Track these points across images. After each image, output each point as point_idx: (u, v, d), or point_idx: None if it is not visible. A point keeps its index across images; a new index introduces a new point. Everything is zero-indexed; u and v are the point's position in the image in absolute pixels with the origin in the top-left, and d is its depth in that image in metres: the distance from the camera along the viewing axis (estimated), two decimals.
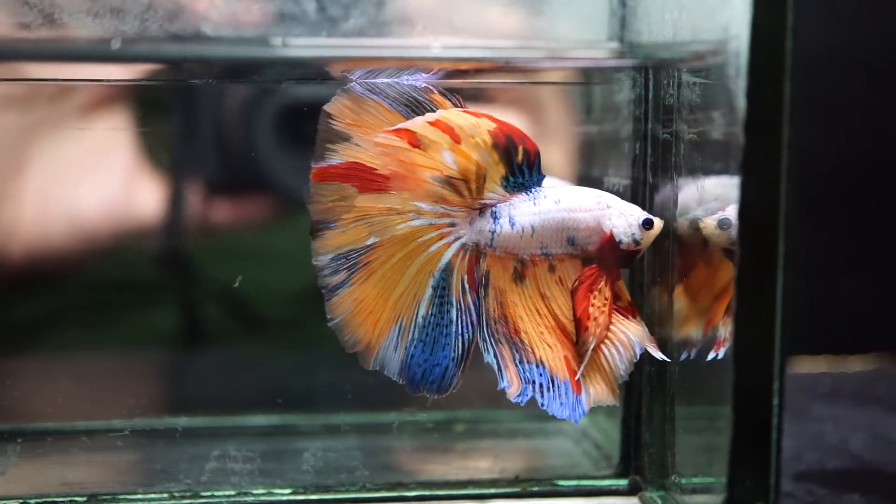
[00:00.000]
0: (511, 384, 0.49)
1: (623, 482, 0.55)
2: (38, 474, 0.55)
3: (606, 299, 0.49)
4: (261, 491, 0.53)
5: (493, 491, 0.54)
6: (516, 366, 0.49)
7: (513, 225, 0.48)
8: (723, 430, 0.44)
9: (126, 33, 0.48)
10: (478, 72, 0.54)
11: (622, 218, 0.50)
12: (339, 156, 0.48)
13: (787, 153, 0.43)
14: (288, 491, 0.53)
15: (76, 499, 0.52)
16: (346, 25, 0.49)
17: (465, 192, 0.48)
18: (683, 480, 0.50)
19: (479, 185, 0.48)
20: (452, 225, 0.49)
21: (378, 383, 0.61)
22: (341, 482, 0.54)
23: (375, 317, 0.49)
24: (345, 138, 0.48)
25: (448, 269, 0.49)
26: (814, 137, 0.91)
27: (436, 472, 0.57)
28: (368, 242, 0.48)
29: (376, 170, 0.48)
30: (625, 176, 0.55)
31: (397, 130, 0.47)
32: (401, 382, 0.50)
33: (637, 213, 0.50)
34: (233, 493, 0.53)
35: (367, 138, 0.48)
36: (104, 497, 0.52)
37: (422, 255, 0.49)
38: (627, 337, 0.49)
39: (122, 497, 0.53)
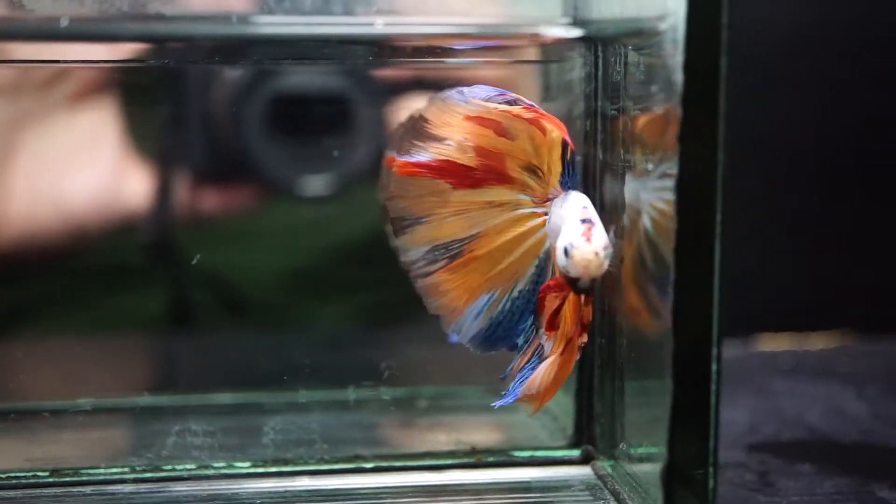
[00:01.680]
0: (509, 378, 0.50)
1: (576, 452, 0.56)
2: (2, 451, 0.56)
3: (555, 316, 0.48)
4: (221, 464, 0.55)
5: (449, 462, 0.56)
6: (522, 368, 0.50)
7: None
8: (664, 399, 0.45)
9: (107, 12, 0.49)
10: (433, 50, 0.55)
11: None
12: (430, 153, 0.49)
13: (724, 125, 0.44)
14: (247, 464, 0.55)
15: (39, 473, 0.53)
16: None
17: (543, 183, 0.49)
18: (631, 450, 0.51)
19: (550, 179, 0.49)
20: (546, 213, 0.49)
21: (341, 361, 0.63)
22: (300, 455, 0.56)
23: (469, 288, 0.50)
24: (437, 139, 0.49)
25: (549, 252, 0.50)
26: (782, 117, 0.92)
27: (394, 445, 0.58)
28: (472, 233, 0.49)
29: (470, 166, 0.48)
30: (578, 153, 0.56)
31: (485, 119, 0.48)
32: (470, 347, 0.51)
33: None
34: (193, 466, 0.55)
35: (458, 139, 0.49)
36: (67, 471, 0.54)
37: (530, 238, 0.50)
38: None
39: (84, 471, 0.54)
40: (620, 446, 0.52)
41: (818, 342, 0.89)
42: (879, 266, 0.91)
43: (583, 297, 0.47)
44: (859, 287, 0.91)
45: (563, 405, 0.61)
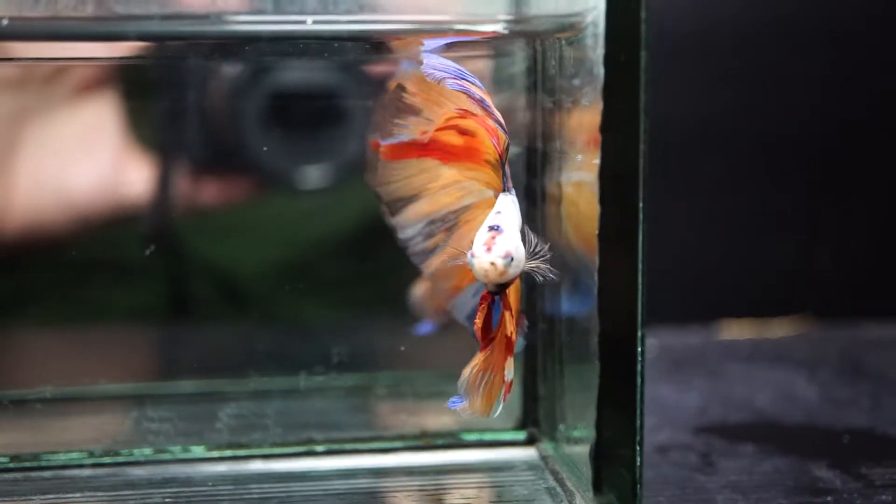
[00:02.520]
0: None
1: (521, 434, 0.58)
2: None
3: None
4: (177, 448, 0.56)
5: (398, 444, 0.57)
6: None
7: None
8: (595, 381, 0.47)
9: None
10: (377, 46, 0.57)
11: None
12: (412, 132, 0.49)
13: (645, 117, 0.45)
14: (202, 448, 0.56)
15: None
16: None
17: (497, 179, 0.49)
18: (568, 431, 0.53)
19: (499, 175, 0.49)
20: None
21: (300, 350, 0.65)
22: (254, 440, 0.57)
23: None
24: (416, 112, 0.49)
25: None
26: (743, 108, 0.94)
27: (346, 429, 0.60)
28: (465, 203, 0.49)
29: (452, 143, 0.48)
30: (520, 145, 0.58)
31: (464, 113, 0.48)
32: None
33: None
34: (150, 451, 0.56)
35: (438, 112, 0.48)
36: (26, 456, 0.55)
37: None
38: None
39: (43, 456, 0.56)
40: (560, 427, 0.54)
41: (779, 329, 0.91)
42: (839, 252, 0.93)
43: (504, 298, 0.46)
44: (819, 274, 0.93)
45: (514, 389, 0.63)
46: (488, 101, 0.47)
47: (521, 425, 0.59)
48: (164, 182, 0.64)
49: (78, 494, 0.53)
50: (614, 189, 0.46)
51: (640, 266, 0.46)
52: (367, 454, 0.57)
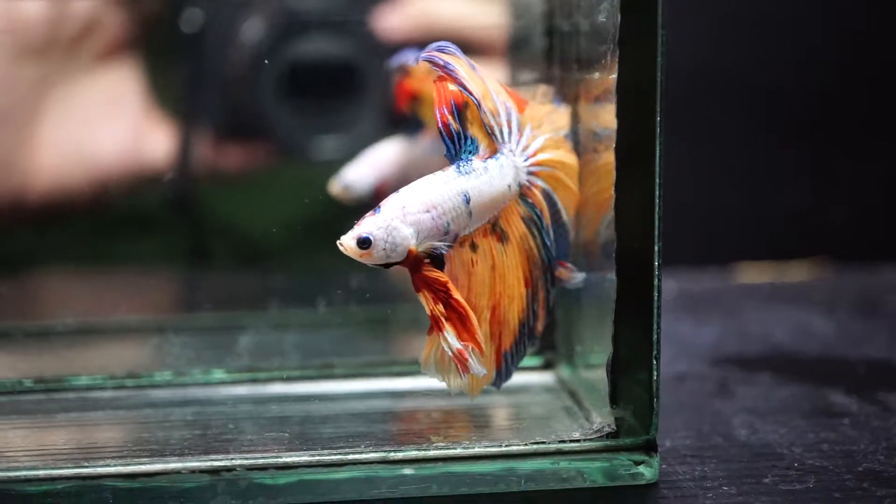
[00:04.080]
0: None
1: (538, 360, 0.59)
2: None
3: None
4: (197, 372, 0.57)
5: (415, 368, 0.58)
6: None
7: None
8: (611, 299, 0.47)
9: None
10: None
11: None
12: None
13: (662, 32, 0.45)
14: (222, 372, 0.57)
15: (24, 380, 0.56)
16: None
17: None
18: (587, 354, 0.54)
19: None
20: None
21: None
22: (273, 366, 0.58)
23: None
24: None
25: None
26: (757, 53, 0.94)
27: (364, 355, 0.61)
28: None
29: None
30: (537, 71, 0.58)
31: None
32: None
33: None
34: (170, 375, 0.57)
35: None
36: (50, 380, 0.56)
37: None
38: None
39: (66, 379, 0.56)
40: (577, 350, 0.54)
41: (796, 272, 0.91)
42: (855, 197, 0.93)
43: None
44: (835, 218, 0.93)
45: None
46: (453, 64, 0.46)
47: (538, 351, 0.59)
48: (184, 146, 0.65)
49: (100, 413, 0.54)
50: (631, 105, 0.46)
51: (656, 180, 0.46)
52: (385, 378, 0.58)
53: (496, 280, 0.47)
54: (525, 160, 0.47)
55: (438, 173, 0.46)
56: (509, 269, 0.47)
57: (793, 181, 0.93)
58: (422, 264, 0.45)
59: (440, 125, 0.45)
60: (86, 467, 0.45)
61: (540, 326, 0.50)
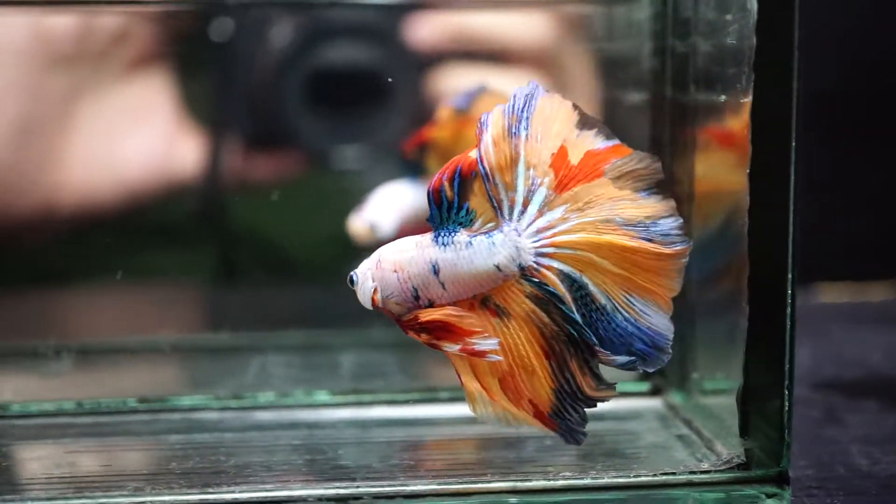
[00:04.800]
0: None
1: (645, 385, 0.58)
2: (92, 382, 0.58)
3: None
4: (300, 393, 0.57)
5: None
6: None
7: None
8: (739, 328, 0.46)
9: None
10: None
11: None
12: None
13: (797, 54, 0.44)
14: (325, 394, 0.56)
15: (128, 400, 0.55)
16: None
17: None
18: (706, 381, 0.53)
19: None
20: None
21: None
22: (377, 387, 0.57)
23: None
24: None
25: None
26: (839, 71, 0.93)
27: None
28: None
29: None
30: (646, 92, 0.57)
31: None
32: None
33: None
34: (273, 396, 0.57)
35: None
36: (153, 400, 0.56)
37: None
38: None
39: (170, 399, 0.56)
40: (693, 377, 0.54)
41: (877, 291, 0.90)
42: None
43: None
44: None
45: None
46: (490, 124, 0.43)
47: (645, 376, 0.58)
48: (214, 156, 0.65)
49: (207, 435, 0.54)
50: (766, 128, 0.45)
51: (790, 205, 0.45)
52: None
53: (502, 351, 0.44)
54: (535, 241, 0.43)
55: (417, 237, 0.45)
56: (514, 342, 0.44)
57: (868, 199, 0.92)
58: (393, 317, 0.44)
59: (430, 188, 0.44)
60: (210, 493, 0.44)
61: (589, 391, 0.44)
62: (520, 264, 0.43)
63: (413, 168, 0.59)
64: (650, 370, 0.44)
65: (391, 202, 0.60)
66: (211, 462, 0.49)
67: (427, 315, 0.44)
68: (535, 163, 0.43)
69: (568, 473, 0.46)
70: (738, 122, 0.47)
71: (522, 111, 0.43)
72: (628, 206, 0.44)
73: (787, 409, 0.46)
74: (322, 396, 0.56)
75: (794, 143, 0.45)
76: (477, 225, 0.44)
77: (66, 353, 0.59)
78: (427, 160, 0.58)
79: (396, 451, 0.52)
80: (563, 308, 0.43)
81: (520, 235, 0.43)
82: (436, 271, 0.43)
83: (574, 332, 0.44)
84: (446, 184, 0.43)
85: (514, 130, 0.43)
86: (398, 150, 0.60)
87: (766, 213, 0.45)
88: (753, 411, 0.46)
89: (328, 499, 0.44)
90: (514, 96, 0.43)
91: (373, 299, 0.44)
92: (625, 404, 0.57)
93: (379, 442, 0.53)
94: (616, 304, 0.44)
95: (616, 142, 0.44)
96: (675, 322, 0.55)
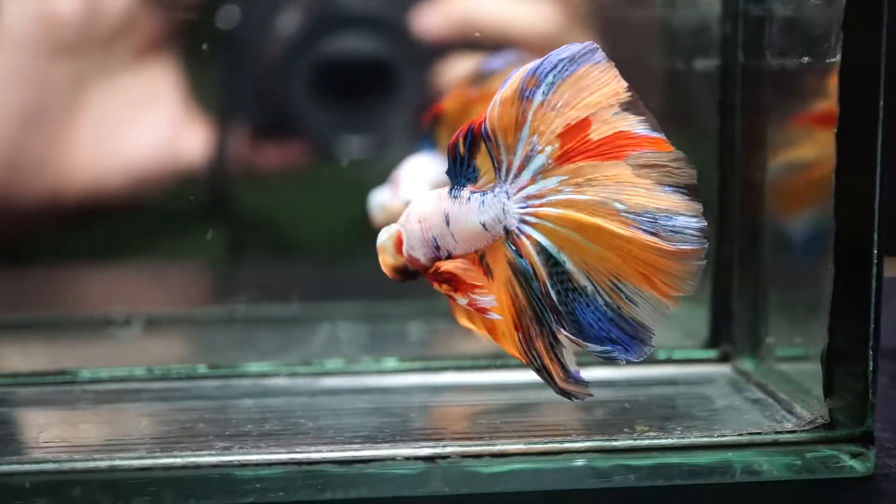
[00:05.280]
0: None
1: (713, 352, 0.58)
2: (161, 348, 0.58)
3: None
4: (369, 360, 0.57)
5: (591, 359, 0.57)
6: None
7: None
8: (819, 290, 0.46)
9: None
10: None
11: None
12: None
13: (889, 11, 0.44)
14: (395, 360, 0.56)
15: (197, 366, 0.55)
16: None
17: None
18: (780, 347, 0.52)
19: None
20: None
21: None
22: (446, 355, 0.57)
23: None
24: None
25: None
26: None
27: None
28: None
29: None
30: (714, 58, 0.57)
31: None
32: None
33: None
34: (342, 363, 0.56)
35: None
36: (223, 366, 0.56)
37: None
38: None
39: (239, 365, 0.56)
40: (767, 342, 0.53)
41: None
42: None
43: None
44: None
45: (690, 312, 0.62)
46: (509, 84, 0.42)
47: (712, 344, 0.58)
48: (221, 145, 0.65)
49: (278, 400, 0.53)
50: (855, 88, 0.45)
51: (878, 166, 0.45)
52: None
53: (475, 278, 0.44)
54: (521, 207, 0.42)
55: (440, 189, 0.45)
56: (499, 305, 0.44)
57: None
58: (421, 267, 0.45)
59: (449, 144, 0.44)
60: (299, 453, 0.44)
61: (559, 381, 0.44)
62: (505, 227, 0.43)
63: (430, 140, 0.59)
64: (629, 360, 0.43)
65: (417, 177, 0.59)
66: (289, 424, 0.49)
67: (442, 265, 0.44)
68: (541, 129, 0.42)
69: (652, 434, 0.46)
70: (822, 89, 0.47)
71: (546, 75, 0.41)
72: (639, 195, 0.41)
73: (871, 369, 0.46)
74: (391, 363, 0.57)
75: (882, 103, 0.45)
76: (481, 182, 0.44)
77: (135, 321, 0.59)
78: (439, 132, 0.58)
79: (472, 415, 0.52)
80: (532, 283, 0.42)
81: (508, 198, 0.42)
82: (447, 222, 0.44)
83: (539, 310, 0.42)
84: (460, 140, 0.43)
85: (526, 93, 0.41)
86: (417, 124, 0.60)
87: (852, 175, 0.45)
88: (838, 372, 0.46)
89: (416, 458, 0.44)
90: (546, 59, 0.42)
91: (397, 247, 0.45)
92: (693, 370, 0.57)
93: (452, 406, 0.53)
94: (598, 288, 0.42)
95: (659, 135, 0.42)
96: (743, 288, 0.56)
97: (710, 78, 0.57)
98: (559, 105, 0.41)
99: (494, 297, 0.43)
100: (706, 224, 0.42)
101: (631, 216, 0.41)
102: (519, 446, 0.45)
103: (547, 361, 0.43)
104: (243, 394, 0.53)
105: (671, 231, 0.41)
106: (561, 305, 0.42)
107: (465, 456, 0.44)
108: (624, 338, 0.42)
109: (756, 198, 0.54)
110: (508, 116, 0.42)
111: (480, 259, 0.44)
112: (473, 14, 0.65)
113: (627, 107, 0.42)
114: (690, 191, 0.42)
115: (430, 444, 0.45)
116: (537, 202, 0.42)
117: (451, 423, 0.50)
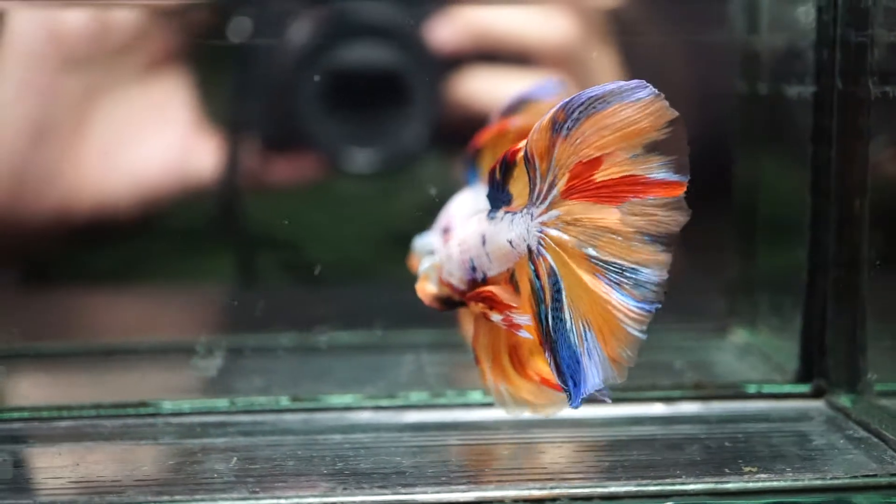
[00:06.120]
0: None
1: (805, 387, 0.56)
2: (243, 380, 0.57)
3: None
4: (452, 393, 0.55)
5: (678, 394, 0.56)
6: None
7: None
8: None
9: None
10: None
11: None
12: None
13: None
14: (480, 393, 0.55)
15: (280, 398, 0.54)
16: None
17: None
18: (880, 384, 0.51)
19: None
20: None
21: None
22: None
23: None
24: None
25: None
26: None
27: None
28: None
29: None
30: (809, 84, 0.56)
31: None
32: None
33: None
34: (426, 396, 0.55)
35: None
36: (306, 398, 0.55)
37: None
38: None
39: (322, 397, 0.55)
40: (867, 378, 0.52)
41: None
42: None
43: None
44: None
45: (775, 345, 0.61)
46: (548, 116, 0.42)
47: (803, 377, 0.57)
48: (231, 159, 0.64)
49: (363, 435, 0.52)
50: None
51: None
52: (648, 403, 0.55)
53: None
54: (539, 230, 0.43)
55: (479, 214, 0.46)
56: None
57: None
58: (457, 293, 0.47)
59: (490, 169, 0.45)
60: (405, 494, 0.43)
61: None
62: (528, 245, 0.43)
63: (474, 172, 0.58)
64: (570, 403, 0.41)
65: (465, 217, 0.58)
66: (382, 462, 0.48)
67: (482, 289, 0.45)
68: (560, 162, 0.42)
69: (763, 476, 0.45)
70: None
71: (573, 111, 0.41)
72: (613, 244, 0.41)
73: None
74: (476, 396, 0.55)
75: None
76: (514, 204, 0.45)
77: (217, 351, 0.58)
78: (481, 163, 0.57)
79: (567, 452, 0.51)
80: (541, 306, 0.42)
81: (532, 219, 0.43)
82: (483, 242, 0.45)
83: (543, 332, 0.42)
84: (498, 166, 0.45)
85: (556, 126, 0.42)
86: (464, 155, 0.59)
87: None
88: None
89: (526, 500, 0.43)
90: (580, 94, 0.41)
91: (439, 275, 0.47)
92: (786, 406, 0.56)
93: (544, 443, 0.52)
94: (572, 326, 0.42)
95: (679, 178, 0.41)
96: (838, 320, 0.54)
97: (803, 104, 0.56)
98: (578, 142, 0.41)
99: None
100: (666, 277, 0.41)
101: (600, 264, 0.41)
102: (629, 488, 0.43)
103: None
104: (329, 428, 0.52)
105: (633, 284, 0.41)
106: (552, 332, 0.42)
107: (574, 499, 0.43)
108: (570, 381, 0.42)
109: (854, 226, 0.53)
110: (543, 143, 0.42)
111: (511, 277, 0.45)
112: (491, 26, 0.64)
113: (656, 147, 0.41)
114: (669, 241, 0.41)
115: (538, 485, 0.43)
116: (548, 229, 0.42)
117: (548, 461, 0.49)
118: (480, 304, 0.45)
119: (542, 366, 0.44)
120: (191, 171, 0.63)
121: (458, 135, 0.56)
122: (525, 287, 0.44)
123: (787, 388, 0.57)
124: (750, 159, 0.64)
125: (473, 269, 0.45)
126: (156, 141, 0.63)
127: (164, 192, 0.63)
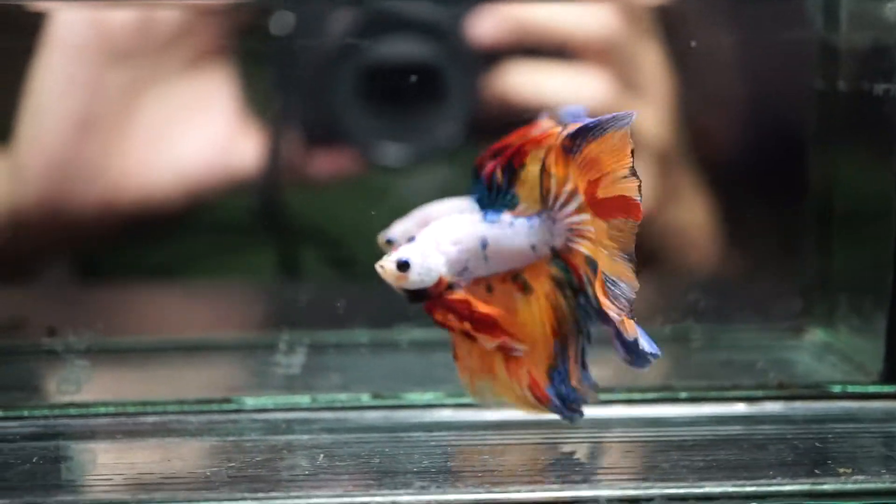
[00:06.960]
0: None
1: (891, 387, 0.55)
2: (324, 379, 0.57)
3: None
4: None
5: (761, 393, 0.55)
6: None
7: None
8: None
9: None
10: None
11: None
12: None
13: None
14: None
15: (361, 395, 0.54)
16: None
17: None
18: None
19: None
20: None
21: None
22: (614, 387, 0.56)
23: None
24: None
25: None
26: None
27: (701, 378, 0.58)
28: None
29: None
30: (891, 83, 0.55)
31: None
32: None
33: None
34: None
35: None
36: (387, 395, 0.55)
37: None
38: None
39: (400, 395, 0.55)
40: None
41: None
42: None
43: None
44: None
45: (856, 345, 0.60)
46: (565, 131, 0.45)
47: (889, 378, 0.56)
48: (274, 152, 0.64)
49: (446, 433, 0.52)
50: None
51: None
52: (730, 402, 0.55)
53: (512, 323, 0.48)
54: (569, 230, 0.47)
55: (466, 215, 0.48)
56: (531, 317, 0.48)
57: None
58: (445, 292, 0.47)
59: (483, 173, 0.48)
60: (498, 493, 0.43)
61: (575, 381, 0.48)
62: (552, 246, 0.47)
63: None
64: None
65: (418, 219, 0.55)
66: (468, 460, 0.48)
67: (484, 308, 0.47)
68: (575, 179, 0.46)
69: (860, 477, 0.44)
70: None
71: (578, 138, 0.45)
72: (602, 256, 0.46)
73: None
74: None
75: None
76: (519, 209, 0.48)
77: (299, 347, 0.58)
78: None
79: (652, 452, 0.50)
80: (579, 294, 0.47)
81: (555, 223, 0.47)
82: (483, 245, 0.48)
83: (581, 321, 0.48)
84: (498, 171, 0.48)
85: (566, 149, 0.45)
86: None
87: None
88: None
89: (621, 500, 0.42)
90: (585, 123, 0.45)
91: (440, 277, 0.47)
92: (872, 406, 0.55)
93: (627, 441, 0.52)
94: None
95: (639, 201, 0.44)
96: None
97: (889, 102, 0.55)
98: (585, 164, 0.45)
99: (530, 310, 0.48)
100: (634, 296, 0.45)
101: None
102: (725, 488, 0.43)
103: (572, 365, 0.48)
104: (412, 426, 0.52)
105: (613, 295, 0.45)
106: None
107: (671, 499, 0.43)
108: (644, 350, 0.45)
109: None
110: (559, 163, 0.46)
111: (514, 277, 0.48)
112: (532, 20, 0.63)
113: (633, 172, 0.44)
114: (632, 257, 0.45)
115: (633, 484, 0.43)
116: (581, 228, 0.46)
117: (636, 460, 0.49)
118: (466, 323, 0.47)
119: (539, 365, 0.48)
120: (234, 164, 0.64)
121: (499, 129, 0.56)
122: (542, 284, 0.48)
123: (873, 389, 0.56)
124: (826, 157, 0.63)
125: (465, 269, 0.48)
126: (199, 135, 0.64)
127: (207, 186, 0.64)
